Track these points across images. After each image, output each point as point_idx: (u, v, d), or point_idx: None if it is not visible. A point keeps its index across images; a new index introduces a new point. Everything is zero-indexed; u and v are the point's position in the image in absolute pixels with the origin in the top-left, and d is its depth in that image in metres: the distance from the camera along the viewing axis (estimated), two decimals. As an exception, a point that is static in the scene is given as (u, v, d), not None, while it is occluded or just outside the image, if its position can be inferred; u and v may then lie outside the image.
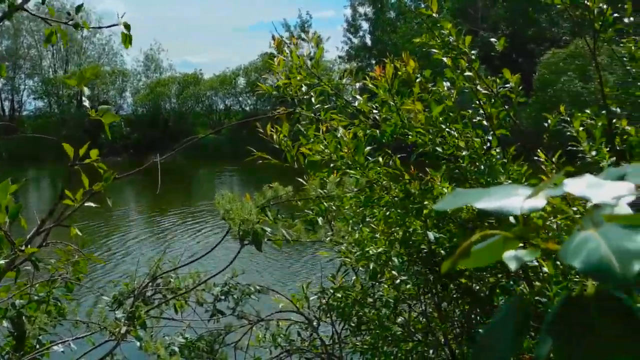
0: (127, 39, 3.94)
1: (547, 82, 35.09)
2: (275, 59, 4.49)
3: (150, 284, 4.80)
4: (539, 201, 0.73)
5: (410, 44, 5.07)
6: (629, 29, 4.34)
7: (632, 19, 4.31)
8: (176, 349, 4.77)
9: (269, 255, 15.66)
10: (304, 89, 4.41)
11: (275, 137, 4.40)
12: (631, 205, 0.72)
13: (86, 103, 3.34)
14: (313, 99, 4.40)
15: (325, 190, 4.31)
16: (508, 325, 0.74)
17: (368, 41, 60.31)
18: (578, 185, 0.75)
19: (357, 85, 4.42)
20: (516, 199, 0.74)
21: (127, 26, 3.87)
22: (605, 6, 4.08)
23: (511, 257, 0.73)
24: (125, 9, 4.02)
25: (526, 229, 0.74)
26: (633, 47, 4.32)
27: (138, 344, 4.37)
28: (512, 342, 0.72)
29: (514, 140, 4.38)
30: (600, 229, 0.65)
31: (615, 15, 4.21)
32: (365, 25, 60.56)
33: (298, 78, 4.40)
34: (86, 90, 3.33)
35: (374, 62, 50.58)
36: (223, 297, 5.03)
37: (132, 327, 4.35)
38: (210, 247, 4.67)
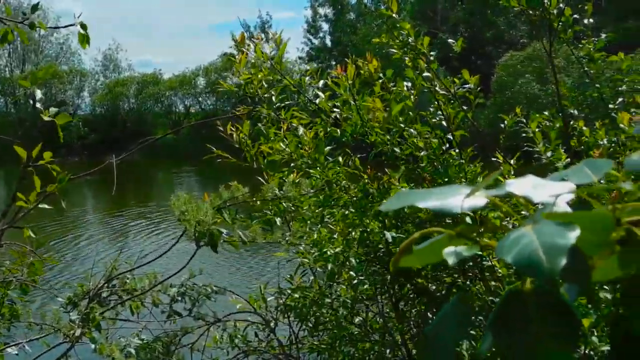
0: (84, 39, 3.89)
1: (505, 84, 35.45)
2: (237, 55, 4.47)
3: (105, 285, 4.74)
4: (479, 200, 0.74)
5: (370, 45, 5.09)
6: (588, 30, 4.40)
7: (591, 20, 4.38)
8: (132, 350, 4.72)
9: (227, 256, 15.58)
10: (265, 86, 4.40)
11: (235, 136, 4.38)
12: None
13: (38, 104, 3.28)
14: (274, 97, 4.39)
15: (282, 191, 4.30)
16: (453, 318, 0.76)
17: (328, 42, 60.39)
18: (520, 185, 0.77)
19: (320, 83, 4.41)
20: (457, 198, 0.75)
21: (83, 26, 3.81)
22: (563, 6, 4.13)
23: (451, 252, 0.74)
24: (84, 8, 3.97)
25: (469, 227, 0.74)
26: (592, 49, 4.39)
27: (93, 345, 4.31)
28: (455, 334, 0.73)
29: (473, 141, 4.43)
30: (536, 226, 0.66)
31: (575, 16, 4.27)
32: (325, 26, 60.68)
33: (259, 76, 4.39)
34: (38, 93, 3.29)
35: (334, 63, 50.66)
36: (180, 298, 5.00)
37: (87, 329, 4.29)
38: (167, 248, 4.63)
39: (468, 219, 3.18)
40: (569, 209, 0.72)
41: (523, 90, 33.59)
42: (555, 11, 4.17)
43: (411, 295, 4.49)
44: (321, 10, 60.44)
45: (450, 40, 4.62)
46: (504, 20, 48.77)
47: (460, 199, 0.75)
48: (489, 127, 23.00)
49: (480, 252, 3.65)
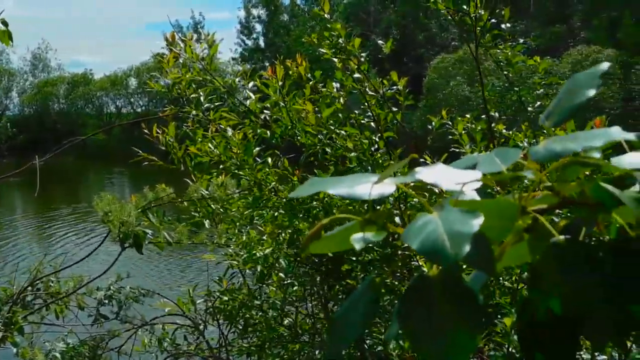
0: (6, 36, 3.82)
1: (437, 86, 35.82)
2: (167, 54, 4.41)
3: (29, 288, 4.63)
4: (387, 187, 0.75)
5: (302, 47, 5.10)
6: (507, 34, 4.49)
7: (508, 25, 4.47)
8: (57, 354, 4.62)
9: (155, 259, 15.41)
10: (193, 86, 4.35)
11: (161, 138, 4.32)
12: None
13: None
14: (202, 98, 4.35)
15: (207, 192, 4.27)
16: (360, 305, 0.76)
17: (262, 43, 60.18)
18: (429, 173, 0.78)
19: (250, 84, 4.38)
20: (366, 186, 0.76)
21: (4, 23, 3.75)
22: (482, 12, 4.21)
23: (358, 238, 0.75)
24: (15, 7, 3.90)
25: (379, 214, 0.74)
26: (510, 53, 4.47)
27: (14, 350, 4.21)
28: (362, 319, 0.74)
29: (404, 142, 4.47)
30: (441, 213, 0.67)
31: (493, 21, 4.35)
32: (259, 27, 60.43)
33: (188, 76, 4.34)
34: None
35: (267, 64, 50.43)
36: (106, 301, 4.91)
37: (9, 333, 4.18)
38: (92, 250, 4.55)
39: (397, 219, 3.25)
40: (476, 197, 0.74)
41: (454, 92, 34.02)
42: (475, 16, 4.24)
43: (340, 296, 4.50)
44: (255, 11, 60.21)
45: (380, 42, 4.66)
46: (435, 23, 49.40)
47: (368, 185, 0.75)
48: (421, 128, 23.27)
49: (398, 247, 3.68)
